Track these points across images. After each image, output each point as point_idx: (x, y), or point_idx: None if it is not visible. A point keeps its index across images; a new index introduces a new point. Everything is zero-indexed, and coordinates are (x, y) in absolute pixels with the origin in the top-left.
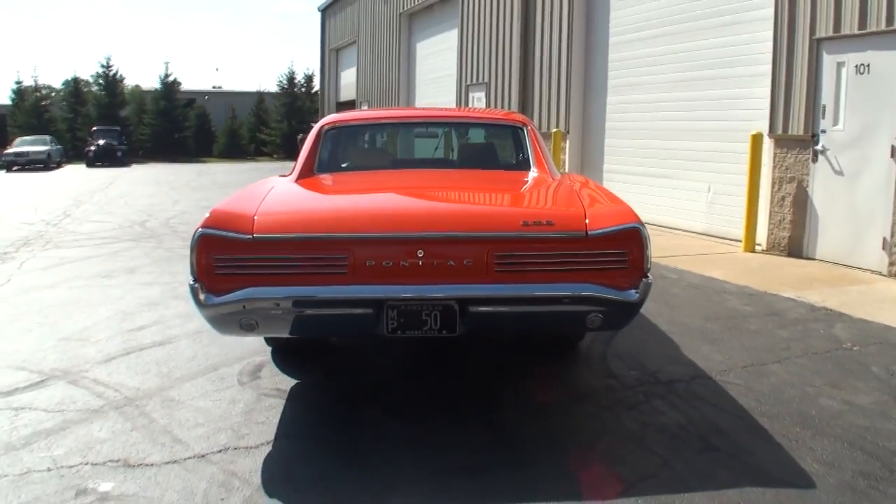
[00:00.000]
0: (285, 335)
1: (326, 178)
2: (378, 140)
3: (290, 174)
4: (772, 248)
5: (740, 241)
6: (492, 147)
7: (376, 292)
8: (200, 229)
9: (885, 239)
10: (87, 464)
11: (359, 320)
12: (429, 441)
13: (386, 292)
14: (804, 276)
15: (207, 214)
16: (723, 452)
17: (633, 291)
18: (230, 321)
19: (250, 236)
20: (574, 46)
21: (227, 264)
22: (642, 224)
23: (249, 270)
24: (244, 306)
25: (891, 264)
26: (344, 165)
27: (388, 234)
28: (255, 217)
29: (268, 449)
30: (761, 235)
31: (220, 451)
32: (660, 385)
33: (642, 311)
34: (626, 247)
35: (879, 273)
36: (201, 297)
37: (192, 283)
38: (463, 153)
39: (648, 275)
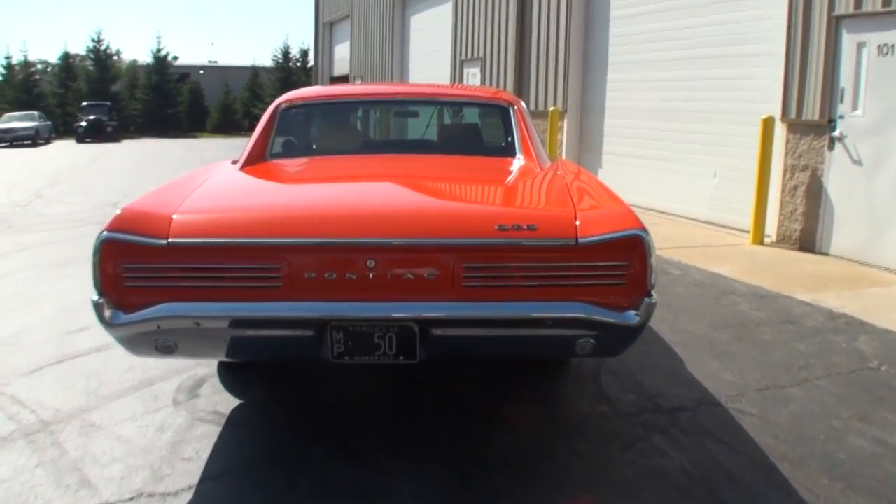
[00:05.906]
0: (211, 358)
1: (276, 166)
2: (344, 120)
3: (239, 159)
4: (782, 241)
5: (748, 231)
6: (473, 129)
7: (316, 311)
8: (105, 232)
9: None
10: None
11: (297, 344)
12: (379, 488)
13: (328, 311)
14: (819, 275)
15: (118, 212)
16: None
17: (633, 313)
18: (144, 342)
19: (165, 241)
20: (573, 20)
21: (137, 275)
22: (646, 230)
23: (165, 282)
24: (158, 325)
25: None
26: (301, 150)
27: (329, 240)
28: (173, 217)
29: (188, 496)
30: (771, 227)
31: (130, 500)
32: (661, 414)
33: None
34: (625, 258)
35: None
36: (107, 314)
37: (95, 298)
38: (439, 136)
39: (652, 293)
